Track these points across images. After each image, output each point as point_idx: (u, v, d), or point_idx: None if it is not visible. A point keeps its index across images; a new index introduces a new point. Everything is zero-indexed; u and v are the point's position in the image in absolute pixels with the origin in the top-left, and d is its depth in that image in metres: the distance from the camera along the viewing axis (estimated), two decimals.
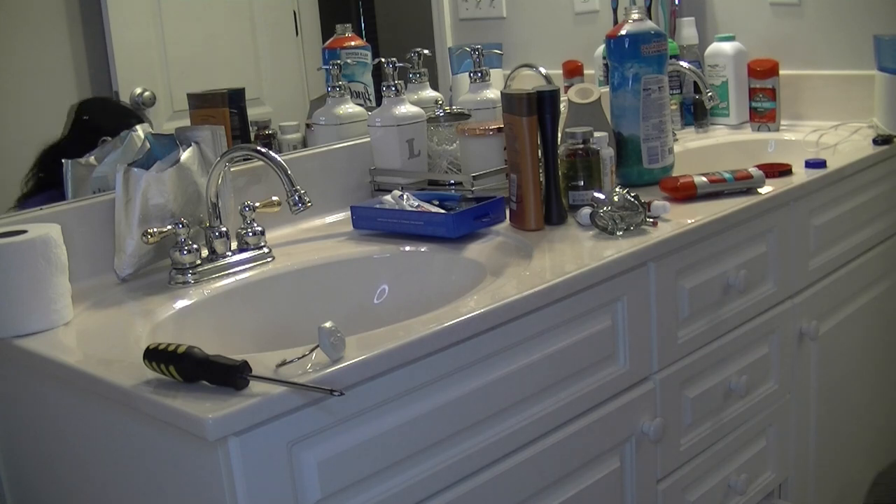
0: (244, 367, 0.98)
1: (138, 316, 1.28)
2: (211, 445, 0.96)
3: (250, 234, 1.47)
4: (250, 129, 1.71)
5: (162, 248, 1.40)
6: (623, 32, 1.75)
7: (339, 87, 1.78)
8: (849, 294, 1.97)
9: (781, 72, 2.20)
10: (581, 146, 1.60)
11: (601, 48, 2.13)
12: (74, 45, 1.51)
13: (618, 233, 1.46)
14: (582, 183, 1.60)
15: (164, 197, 1.38)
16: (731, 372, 1.64)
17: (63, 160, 1.47)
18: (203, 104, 1.64)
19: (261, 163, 1.54)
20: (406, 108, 1.72)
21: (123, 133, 1.54)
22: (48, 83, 1.48)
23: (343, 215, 1.69)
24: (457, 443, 1.18)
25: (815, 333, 1.81)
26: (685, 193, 1.63)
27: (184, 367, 1.00)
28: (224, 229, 1.44)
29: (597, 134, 1.64)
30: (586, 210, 1.51)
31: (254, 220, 1.47)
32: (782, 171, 1.77)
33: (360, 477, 1.08)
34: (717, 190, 1.64)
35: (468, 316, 1.16)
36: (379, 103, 1.76)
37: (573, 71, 2.25)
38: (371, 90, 1.88)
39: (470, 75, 1.87)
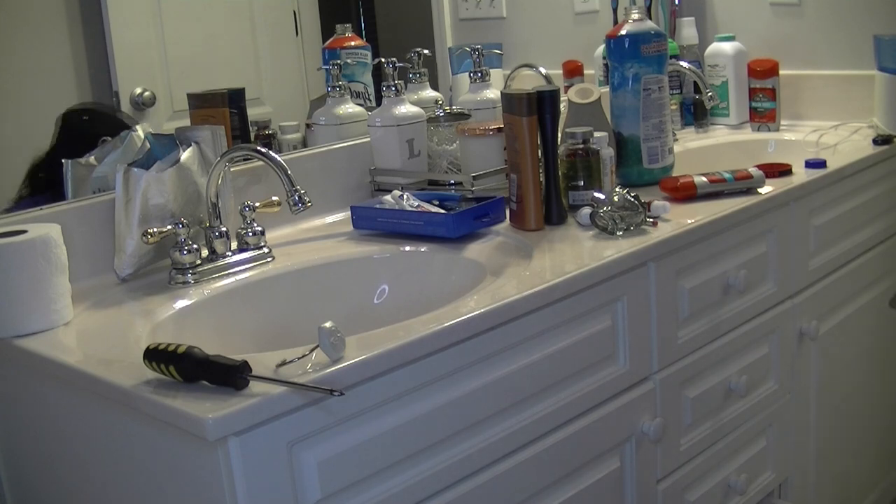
0: (244, 367, 0.98)
1: (138, 316, 1.28)
2: (211, 445, 0.96)
3: (250, 234, 1.47)
4: (250, 129, 1.71)
5: (162, 248, 1.40)
6: (623, 32, 1.75)
7: (339, 87, 1.78)
8: (849, 294, 1.97)
9: (781, 72, 2.20)
10: (581, 146, 1.60)
11: (601, 48, 2.13)
12: (74, 45, 1.51)
13: (618, 233, 1.46)
14: (582, 183, 1.60)
15: (164, 197, 1.38)
16: (731, 372, 1.64)
17: (63, 160, 1.47)
18: (203, 104, 1.64)
19: (261, 163, 1.54)
20: (406, 108, 1.72)
21: (123, 133, 1.54)
22: (48, 83, 1.48)
23: (343, 215, 1.69)
24: (457, 443, 1.18)
25: (815, 333, 1.81)
26: (685, 193, 1.63)
27: (184, 367, 1.00)
28: (224, 229, 1.44)
29: (597, 134, 1.64)
30: (586, 210, 1.51)
31: (254, 220, 1.47)
32: (782, 171, 1.77)
33: (360, 477, 1.08)
34: (717, 190, 1.64)
35: (468, 316, 1.16)
36: (379, 103, 1.77)
37: (573, 71, 2.25)
38: (371, 90, 1.88)
39: (470, 75, 1.87)
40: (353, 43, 1.84)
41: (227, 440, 0.96)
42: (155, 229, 1.35)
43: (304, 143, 1.78)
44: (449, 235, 1.50)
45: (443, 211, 1.56)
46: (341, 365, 1.03)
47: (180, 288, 1.37)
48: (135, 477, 1.10)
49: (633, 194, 1.47)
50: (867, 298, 2.03)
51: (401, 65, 1.76)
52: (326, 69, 1.79)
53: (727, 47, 2.27)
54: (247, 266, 1.45)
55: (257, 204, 1.48)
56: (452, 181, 1.71)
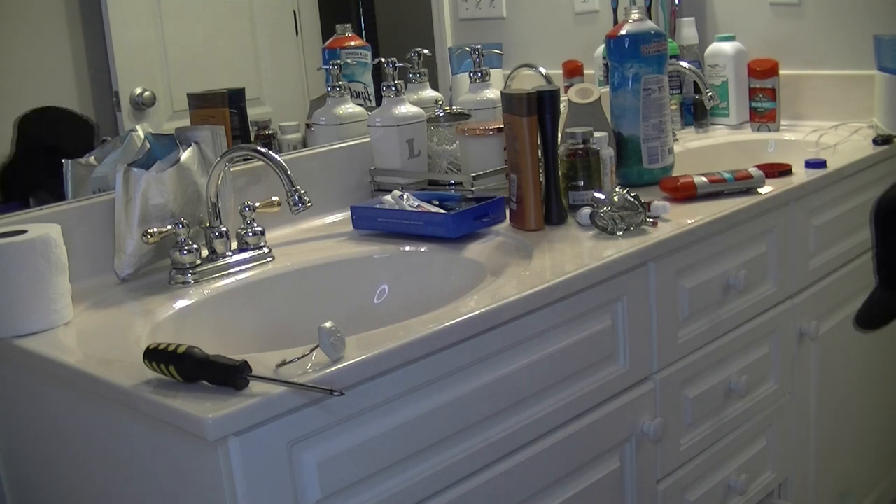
0: (244, 367, 0.98)
1: (138, 316, 1.28)
2: (211, 445, 0.96)
3: (250, 234, 1.47)
4: (250, 129, 1.71)
5: (162, 248, 1.40)
6: (623, 32, 1.75)
7: (339, 87, 1.78)
8: (849, 294, 1.96)
9: (781, 72, 2.20)
10: (581, 146, 1.60)
11: (601, 48, 2.13)
12: (74, 45, 1.51)
13: (618, 233, 1.46)
14: (582, 183, 1.60)
15: (164, 197, 1.38)
16: (731, 372, 1.64)
17: (63, 160, 1.47)
18: (203, 104, 1.64)
19: (261, 163, 1.54)
20: (406, 108, 1.72)
21: (123, 133, 1.54)
22: (48, 83, 1.48)
23: (343, 215, 1.69)
24: (457, 443, 1.18)
25: (815, 333, 1.81)
26: (685, 193, 1.63)
27: (184, 367, 1.00)
28: (224, 229, 1.44)
29: (597, 134, 1.64)
30: (586, 210, 1.51)
31: (254, 220, 1.47)
32: (782, 171, 1.77)
33: (360, 477, 1.08)
34: (717, 190, 1.64)
35: (468, 316, 1.16)
36: (379, 103, 1.77)
37: (573, 71, 2.25)
38: (371, 90, 1.88)
39: (470, 75, 1.87)
40: (353, 43, 1.84)
41: (227, 440, 0.96)
42: (155, 229, 1.35)
43: (304, 143, 1.78)
44: (449, 235, 1.50)
45: (443, 211, 1.56)
46: (341, 365, 1.03)
47: (180, 288, 1.37)
48: (135, 477, 1.10)
49: (633, 194, 1.47)
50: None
51: (401, 65, 1.76)
52: (326, 69, 1.79)
53: (727, 47, 2.27)
54: (247, 266, 1.45)
55: (257, 204, 1.48)
56: (452, 181, 1.71)
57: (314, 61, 1.82)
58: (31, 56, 1.46)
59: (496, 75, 2.00)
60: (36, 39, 1.47)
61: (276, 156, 1.37)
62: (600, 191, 1.53)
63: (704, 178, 1.64)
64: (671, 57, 2.00)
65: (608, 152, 1.64)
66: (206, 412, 0.93)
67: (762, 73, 2.19)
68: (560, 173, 1.57)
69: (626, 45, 1.74)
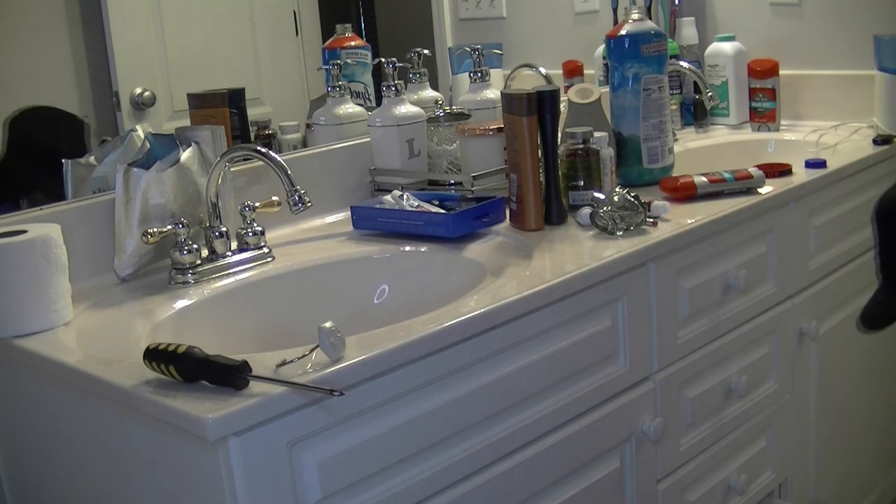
0: (244, 367, 0.98)
1: (138, 316, 1.28)
2: (211, 445, 0.96)
3: (250, 234, 1.47)
4: (250, 129, 1.71)
5: (162, 248, 1.40)
6: (623, 32, 1.75)
7: (339, 87, 1.78)
8: (849, 294, 1.96)
9: (781, 72, 2.20)
10: (581, 146, 1.60)
11: (601, 48, 2.13)
12: (74, 45, 1.51)
13: (618, 233, 1.46)
14: (582, 183, 1.60)
15: (164, 197, 1.38)
16: (731, 372, 1.64)
17: (63, 160, 1.47)
18: (203, 104, 1.64)
19: (261, 163, 1.54)
20: (406, 108, 1.72)
21: (123, 133, 1.54)
22: (48, 83, 1.48)
23: (343, 215, 1.69)
24: (457, 443, 1.18)
25: (815, 333, 1.81)
26: (685, 193, 1.63)
27: (184, 367, 1.00)
28: (224, 229, 1.44)
29: (597, 134, 1.64)
30: (586, 210, 1.51)
31: (254, 220, 1.47)
32: (782, 171, 1.77)
33: (360, 477, 1.08)
34: (717, 190, 1.64)
35: (468, 316, 1.16)
36: (379, 103, 1.77)
37: (573, 71, 2.25)
38: (371, 90, 1.88)
39: (470, 75, 1.87)
40: (353, 43, 1.84)
41: (227, 440, 0.96)
42: (155, 229, 1.35)
43: (304, 143, 1.78)
44: (449, 235, 1.50)
45: (443, 211, 1.56)
46: (341, 365, 1.03)
47: (180, 288, 1.37)
48: (135, 477, 1.10)
49: (633, 194, 1.47)
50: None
51: (401, 65, 1.76)
52: (326, 69, 1.79)
53: (727, 47, 2.27)
54: (247, 266, 1.45)
55: (257, 204, 1.48)
56: (452, 181, 1.71)
57: (314, 61, 1.82)
58: (31, 56, 1.46)
59: (496, 75, 2.00)
60: (36, 39, 1.47)
61: (276, 156, 1.37)
62: (600, 191, 1.53)
63: (704, 178, 1.64)
64: (671, 57, 2.00)
65: (608, 152, 1.64)
66: (206, 412, 0.93)
67: (762, 73, 2.19)
68: (560, 173, 1.57)
69: (626, 45, 1.74)
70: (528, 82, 2.02)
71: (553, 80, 2.07)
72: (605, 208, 1.47)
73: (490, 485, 1.23)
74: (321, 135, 1.77)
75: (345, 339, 1.05)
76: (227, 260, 1.43)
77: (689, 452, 1.57)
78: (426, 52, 1.90)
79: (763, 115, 2.20)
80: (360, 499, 1.08)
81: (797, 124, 2.22)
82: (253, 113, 1.72)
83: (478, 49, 1.85)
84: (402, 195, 1.60)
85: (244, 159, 1.55)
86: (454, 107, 1.88)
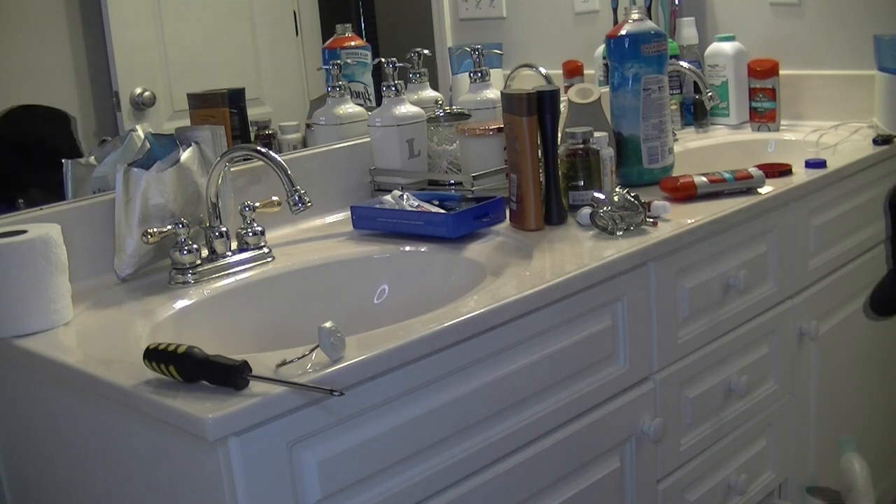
0: (244, 367, 0.98)
1: (138, 316, 1.28)
2: (211, 445, 0.96)
3: (250, 234, 1.47)
4: (250, 129, 1.71)
5: (162, 248, 1.40)
6: (623, 32, 1.75)
7: (339, 87, 1.78)
8: (849, 294, 1.96)
9: (781, 72, 2.20)
10: (581, 146, 1.60)
11: (601, 48, 2.13)
12: (74, 45, 1.51)
13: (618, 233, 1.46)
14: (582, 183, 1.60)
15: (164, 197, 1.38)
16: (731, 372, 1.64)
17: (63, 160, 1.47)
18: (203, 104, 1.64)
19: (261, 163, 1.54)
20: (406, 108, 1.72)
21: (123, 133, 1.54)
22: (48, 83, 1.48)
23: (343, 215, 1.69)
24: (457, 443, 1.18)
25: (815, 333, 1.81)
26: (685, 193, 1.63)
27: (184, 367, 1.00)
28: (224, 229, 1.44)
29: (597, 134, 1.64)
30: (586, 210, 1.51)
31: (254, 220, 1.47)
32: (782, 171, 1.77)
33: (360, 477, 1.08)
34: (717, 190, 1.64)
35: (468, 316, 1.16)
36: (379, 103, 1.77)
37: (573, 71, 2.25)
38: (371, 90, 1.88)
39: (470, 75, 1.87)
40: (353, 43, 1.84)
41: (227, 440, 0.96)
42: (155, 229, 1.35)
43: (304, 143, 1.78)
44: (449, 235, 1.50)
45: (443, 211, 1.56)
46: (341, 365, 1.03)
47: (180, 288, 1.37)
48: (135, 477, 1.10)
49: (633, 194, 1.47)
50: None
51: (401, 65, 1.76)
52: (326, 69, 1.79)
53: (727, 47, 2.27)
54: (247, 266, 1.45)
55: (257, 204, 1.48)
56: (452, 181, 1.71)
57: (314, 61, 1.82)
58: (31, 56, 1.46)
59: (496, 75, 2.00)
60: (36, 39, 1.47)
61: (276, 156, 1.37)
62: (600, 191, 1.53)
63: (704, 178, 1.64)
64: (671, 57, 2.00)
65: (608, 152, 1.64)
66: (206, 412, 0.93)
67: (762, 73, 2.20)
68: (560, 173, 1.57)
69: (626, 45, 1.74)
70: (528, 82, 2.02)
71: (553, 80, 2.07)
72: (605, 208, 1.47)
73: (490, 485, 1.23)
74: (321, 135, 1.77)
75: (345, 339, 1.05)
76: (227, 260, 1.43)
77: (689, 452, 1.57)
78: (426, 52, 1.90)
79: (763, 115, 2.20)
80: (360, 499, 1.08)
81: (797, 124, 2.22)
82: (253, 113, 1.72)
83: (478, 49, 1.85)
84: (402, 195, 1.60)
85: (244, 159, 1.55)
86: (454, 107, 1.88)
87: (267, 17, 1.76)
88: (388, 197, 1.60)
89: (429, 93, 1.92)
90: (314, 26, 1.82)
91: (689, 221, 1.50)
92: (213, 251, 1.43)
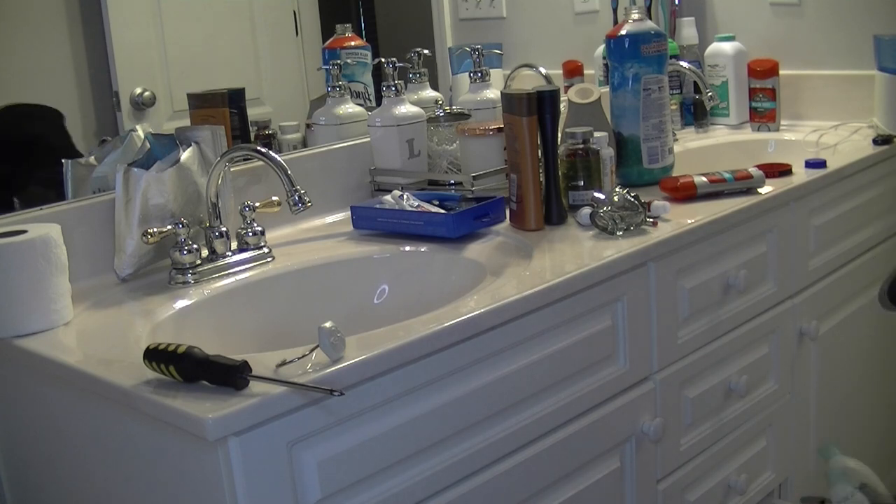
0: (244, 367, 0.98)
1: (138, 316, 1.28)
2: (211, 445, 0.96)
3: (250, 234, 1.47)
4: (250, 129, 1.72)
5: (162, 248, 1.40)
6: (623, 32, 1.75)
7: (339, 87, 1.78)
8: (849, 294, 1.96)
9: (781, 72, 2.20)
10: (581, 146, 1.60)
11: (601, 48, 2.13)
12: (74, 45, 1.51)
13: (618, 233, 1.46)
14: (582, 183, 1.60)
15: (164, 197, 1.38)
16: (731, 372, 1.64)
17: (63, 160, 1.47)
18: (203, 104, 1.64)
19: (261, 163, 1.54)
20: (406, 108, 1.72)
21: (123, 133, 1.54)
22: (48, 83, 1.48)
23: (343, 215, 1.69)
24: (457, 443, 1.18)
25: (815, 333, 1.81)
26: (685, 193, 1.63)
27: (184, 367, 1.00)
28: (224, 229, 1.44)
29: (597, 134, 1.64)
30: (586, 210, 1.51)
31: (254, 220, 1.47)
32: (782, 171, 1.77)
33: (360, 477, 1.08)
34: (717, 190, 1.64)
35: (468, 316, 1.16)
36: (379, 103, 1.77)
37: (573, 71, 2.25)
38: (371, 90, 1.88)
39: (470, 75, 1.87)
40: (353, 43, 1.84)
41: (227, 440, 0.96)
42: (155, 229, 1.35)
43: (304, 143, 1.78)
44: (449, 235, 1.50)
45: (443, 211, 1.56)
46: (341, 365, 1.03)
47: (180, 288, 1.37)
48: (135, 477, 1.10)
49: (633, 194, 1.47)
50: (867, 298, 2.03)
51: (401, 65, 1.76)
52: (326, 69, 1.79)
53: (727, 47, 2.27)
54: (247, 266, 1.45)
55: (257, 204, 1.48)
56: (452, 181, 1.71)
57: (314, 61, 1.82)
58: (31, 56, 1.46)
59: (496, 75, 2.00)
60: (36, 39, 1.47)
61: (276, 156, 1.37)
62: (600, 191, 1.53)
63: (704, 178, 1.64)
64: (671, 57, 2.00)
65: (608, 152, 1.64)
66: (206, 412, 0.93)
67: (762, 73, 2.19)
68: (560, 173, 1.57)
69: (626, 45, 1.74)
70: (528, 82, 2.02)
71: (553, 80, 2.07)
72: (605, 208, 1.47)
73: (490, 485, 1.23)
74: (321, 135, 1.77)
75: (345, 339, 1.05)
76: (227, 260, 1.43)
77: (689, 452, 1.57)
78: (426, 52, 1.90)
79: (763, 115, 2.20)
80: (360, 499, 1.08)
81: (797, 124, 2.22)
82: (253, 113, 1.72)
83: (478, 49, 1.85)
84: (402, 195, 1.60)
85: (244, 159, 1.55)
86: (454, 107, 1.88)
87: (267, 17, 1.76)
88: (388, 197, 1.60)
89: (429, 93, 1.92)
90: (314, 26, 1.82)
91: (689, 221, 1.50)
92: (213, 251, 1.43)
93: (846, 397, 2.00)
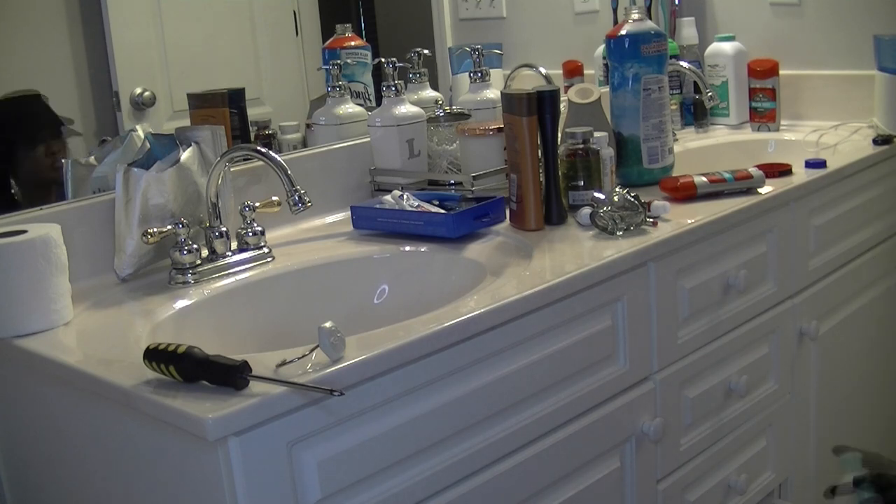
0: (244, 367, 0.98)
1: (138, 316, 1.28)
2: (211, 445, 0.96)
3: (250, 234, 1.47)
4: (250, 129, 1.72)
5: (162, 248, 1.40)
6: (623, 32, 1.75)
7: (339, 87, 1.78)
8: (849, 294, 1.96)
9: (781, 72, 2.20)
10: (581, 146, 1.60)
11: (601, 48, 2.13)
12: (74, 45, 1.51)
13: (618, 233, 1.46)
14: (582, 183, 1.60)
15: (164, 197, 1.38)
16: (731, 372, 1.64)
17: (63, 160, 1.47)
18: (203, 104, 1.64)
19: (261, 163, 1.54)
20: (406, 108, 1.72)
21: (123, 133, 1.54)
22: (48, 83, 1.48)
23: (343, 215, 1.69)
24: (457, 443, 1.18)
25: (815, 333, 1.81)
26: (685, 193, 1.63)
27: (184, 367, 1.00)
28: (224, 229, 1.44)
29: (597, 134, 1.64)
30: (586, 210, 1.51)
31: (254, 220, 1.47)
32: (782, 171, 1.77)
33: (360, 477, 1.08)
34: (717, 190, 1.64)
35: (468, 316, 1.16)
36: (379, 103, 1.77)
37: (573, 71, 2.25)
38: (371, 90, 1.88)
39: (470, 75, 1.87)
40: (353, 43, 1.84)
41: (227, 440, 0.96)
42: (155, 229, 1.35)
43: (304, 143, 1.78)
44: (449, 235, 1.50)
45: (443, 211, 1.56)
46: (341, 365, 1.03)
47: (180, 288, 1.37)
48: (135, 477, 1.10)
49: (633, 194, 1.47)
50: (867, 298, 2.03)
51: (401, 65, 1.76)
52: (326, 69, 1.79)
53: (727, 47, 2.27)
54: (247, 266, 1.45)
55: (257, 204, 1.48)
56: (452, 181, 1.71)
57: (314, 61, 1.82)
58: (31, 56, 1.46)
59: (496, 75, 2.00)
60: (36, 39, 1.47)
61: (276, 156, 1.37)
62: (600, 191, 1.53)
63: (704, 178, 1.64)
64: (671, 57, 2.00)
65: (608, 152, 1.64)
66: (206, 412, 0.93)
67: (762, 73, 2.19)
68: (560, 173, 1.57)
69: (626, 45, 1.74)
70: (528, 82, 2.02)
71: (553, 80, 2.07)
72: (605, 208, 1.47)
73: (490, 485, 1.23)
74: (321, 135, 1.77)
75: (345, 339, 1.05)
76: (227, 260, 1.43)
77: (689, 452, 1.57)
78: (426, 52, 1.90)
79: (763, 115, 2.20)
80: (360, 499, 1.08)
81: (797, 124, 2.21)
82: (253, 113, 1.72)
83: (478, 49, 1.85)
84: (402, 195, 1.60)
85: (244, 159, 1.55)
86: (454, 107, 1.88)
87: (267, 17, 1.76)
88: (388, 197, 1.60)
89: (429, 93, 1.92)
90: (314, 26, 1.82)
91: (689, 221, 1.50)
92: (213, 251, 1.43)
93: (846, 397, 2.00)
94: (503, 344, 1.23)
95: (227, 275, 1.42)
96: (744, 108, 2.26)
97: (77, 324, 1.25)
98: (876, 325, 2.08)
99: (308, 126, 1.79)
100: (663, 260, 1.46)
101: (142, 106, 1.59)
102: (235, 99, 1.67)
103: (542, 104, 1.51)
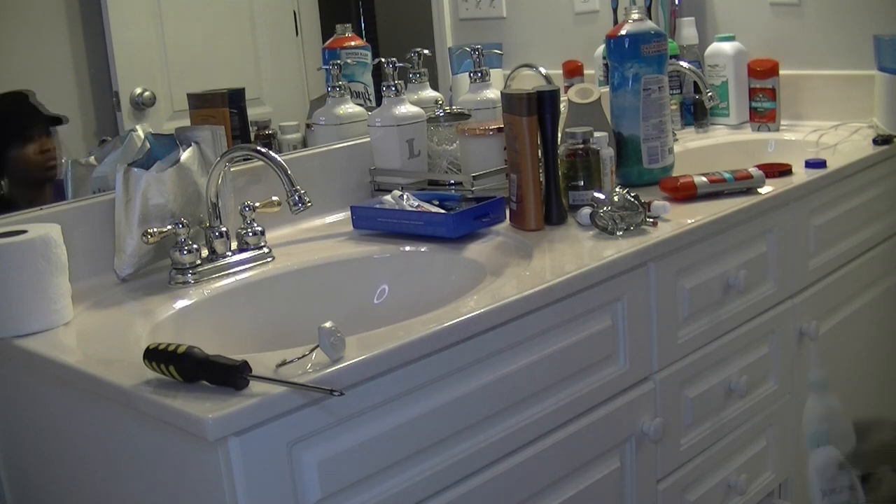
0: (244, 367, 0.98)
1: (138, 316, 1.28)
2: (211, 445, 0.96)
3: (250, 234, 1.47)
4: (250, 129, 1.71)
5: (162, 248, 1.40)
6: (623, 32, 1.75)
7: (339, 87, 1.78)
8: (849, 294, 1.96)
9: (781, 72, 2.20)
10: (581, 146, 1.60)
11: (601, 48, 2.13)
12: (74, 45, 1.51)
13: (618, 233, 1.46)
14: (582, 183, 1.60)
15: (164, 197, 1.38)
16: (731, 372, 1.64)
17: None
18: (203, 104, 1.64)
19: (261, 163, 1.54)
20: (406, 108, 1.72)
21: (123, 133, 1.54)
22: (48, 83, 1.48)
23: (343, 215, 1.69)
24: (457, 443, 1.18)
25: (815, 333, 1.81)
26: (685, 193, 1.63)
27: (184, 367, 1.00)
28: (224, 229, 1.44)
29: (597, 134, 1.64)
30: (586, 210, 1.51)
31: (254, 220, 1.47)
32: (782, 171, 1.77)
33: (360, 477, 1.08)
34: (717, 190, 1.64)
35: (468, 316, 1.16)
36: (379, 103, 1.77)
37: (573, 71, 2.25)
38: (371, 90, 1.88)
39: (470, 75, 1.87)
40: (353, 43, 1.84)
41: (227, 440, 0.96)
42: (155, 229, 1.35)
43: (304, 143, 1.78)
44: (449, 235, 1.50)
45: (443, 211, 1.56)
46: (341, 365, 1.03)
47: (180, 288, 1.37)
48: (135, 477, 1.10)
49: (633, 194, 1.47)
50: (867, 298, 2.03)
51: (401, 65, 1.76)
52: (326, 69, 1.79)
53: (727, 47, 2.27)
54: (247, 266, 1.45)
55: (257, 204, 1.48)
56: (452, 181, 1.71)
57: (314, 61, 1.82)
58: (31, 56, 1.46)
59: (496, 75, 2.00)
60: (36, 39, 1.47)
61: (276, 156, 1.37)
62: (600, 191, 1.53)
63: (704, 178, 1.64)
64: (671, 57, 2.00)
65: (608, 152, 1.64)
66: (206, 412, 0.93)
67: (762, 73, 2.19)
68: (560, 173, 1.57)
69: (626, 45, 1.74)
70: (528, 82, 2.02)
71: (553, 80, 2.07)
72: (605, 208, 1.47)
73: (490, 485, 1.23)
74: (321, 135, 1.77)
75: (345, 339, 1.05)
76: (227, 260, 1.43)
77: (689, 452, 1.57)
78: (426, 52, 1.90)
79: (763, 115, 2.20)
80: (360, 499, 1.08)
81: (797, 124, 2.21)
82: (253, 113, 1.72)
83: (478, 49, 1.85)
84: (402, 195, 1.60)
85: (244, 159, 1.55)
86: (454, 107, 1.88)
87: (267, 17, 1.76)
88: (388, 197, 1.60)
89: (429, 93, 1.92)
90: (314, 26, 1.82)
91: (689, 221, 1.50)
92: (213, 251, 1.43)
93: (846, 397, 1.99)
94: (503, 344, 1.23)
95: (227, 275, 1.42)
96: (744, 108, 2.26)
97: (77, 324, 1.25)
98: (876, 325, 2.08)
99: (308, 126, 1.79)
100: (663, 260, 1.46)
101: (142, 106, 1.59)
102: (235, 99, 1.67)
103: (542, 104, 1.51)
